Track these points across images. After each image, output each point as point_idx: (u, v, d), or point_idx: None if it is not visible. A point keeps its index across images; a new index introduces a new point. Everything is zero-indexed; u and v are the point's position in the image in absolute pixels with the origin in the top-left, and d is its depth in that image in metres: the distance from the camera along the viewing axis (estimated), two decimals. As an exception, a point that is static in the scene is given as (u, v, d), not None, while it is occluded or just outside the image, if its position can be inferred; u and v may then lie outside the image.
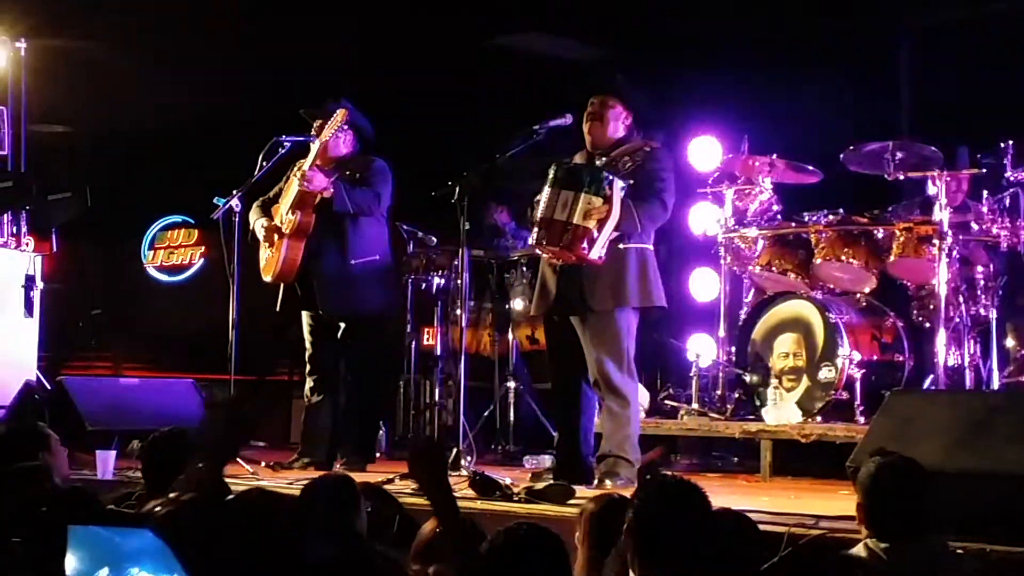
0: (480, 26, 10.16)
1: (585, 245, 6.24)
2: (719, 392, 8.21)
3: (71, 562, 2.47)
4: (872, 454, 4.15)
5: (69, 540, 2.46)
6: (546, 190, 6.38)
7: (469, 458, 6.89)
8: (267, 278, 7.44)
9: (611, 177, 6.29)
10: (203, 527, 2.61)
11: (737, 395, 8.01)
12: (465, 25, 10.08)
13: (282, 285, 7.43)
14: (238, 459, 7.25)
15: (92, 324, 12.75)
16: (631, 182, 6.37)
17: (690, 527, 3.45)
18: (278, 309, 7.49)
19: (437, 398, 9.28)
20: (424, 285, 9.35)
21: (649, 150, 6.57)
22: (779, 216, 8.20)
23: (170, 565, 2.37)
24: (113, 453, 6.72)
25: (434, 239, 9.27)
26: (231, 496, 2.75)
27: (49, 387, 8.54)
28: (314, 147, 7.33)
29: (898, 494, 3.94)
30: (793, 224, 8.08)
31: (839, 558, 3.95)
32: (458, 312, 8.38)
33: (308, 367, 7.59)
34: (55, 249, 9.39)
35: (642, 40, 9.80)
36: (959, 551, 4.16)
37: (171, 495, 3.58)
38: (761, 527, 4.26)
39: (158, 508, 3.08)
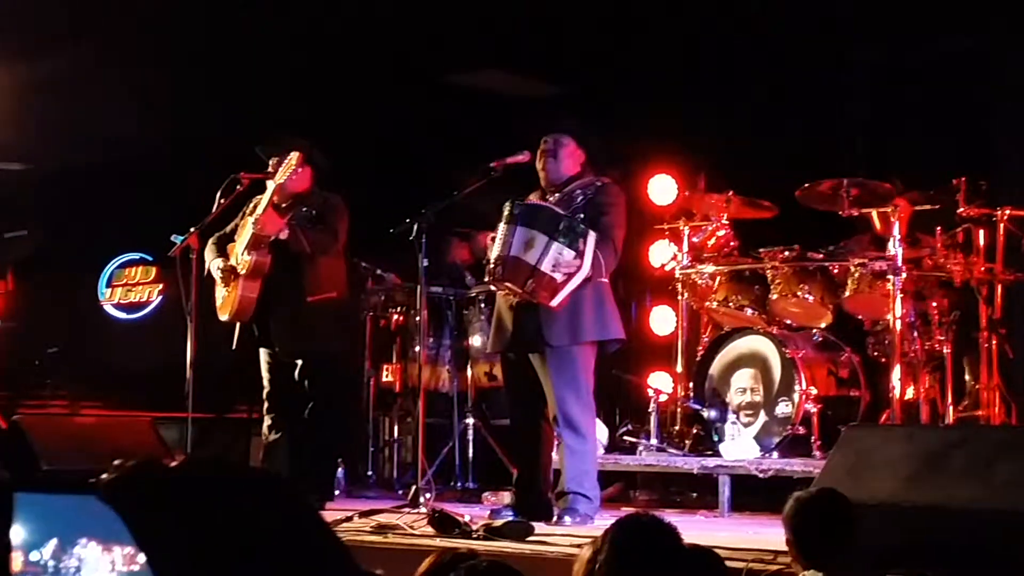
0: (438, 62, 10.19)
1: (548, 294, 6.26)
2: (677, 427, 8.23)
3: (19, 533, 2.42)
4: (796, 490, 4.22)
5: (16, 510, 2.40)
6: (501, 227, 6.39)
7: (428, 495, 6.88)
8: (223, 317, 7.40)
9: (587, 230, 6.29)
10: (149, 495, 2.54)
11: (695, 430, 8.03)
12: (423, 61, 10.11)
13: (238, 323, 7.40)
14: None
15: (48, 362, 12.66)
16: (581, 216, 6.40)
17: (664, 564, 3.46)
18: (234, 347, 7.45)
19: (396, 435, 9.27)
20: (383, 322, 9.35)
21: (600, 184, 6.61)
22: (735, 252, 8.24)
23: (119, 534, 2.33)
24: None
25: (393, 276, 9.27)
26: (178, 463, 2.70)
27: (4, 426, 8.47)
28: (269, 189, 7.30)
29: (823, 528, 4.01)
30: (749, 260, 8.13)
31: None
32: (417, 349, 8.37)
33: (266, 405, 7.54)
34: (11, 287, 9.33)
35: (600, 78, 9.86)
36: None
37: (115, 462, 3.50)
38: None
39: (103, 475, 3.00)
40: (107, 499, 2.32)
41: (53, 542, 2.32)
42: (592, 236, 6.29)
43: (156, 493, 2.42)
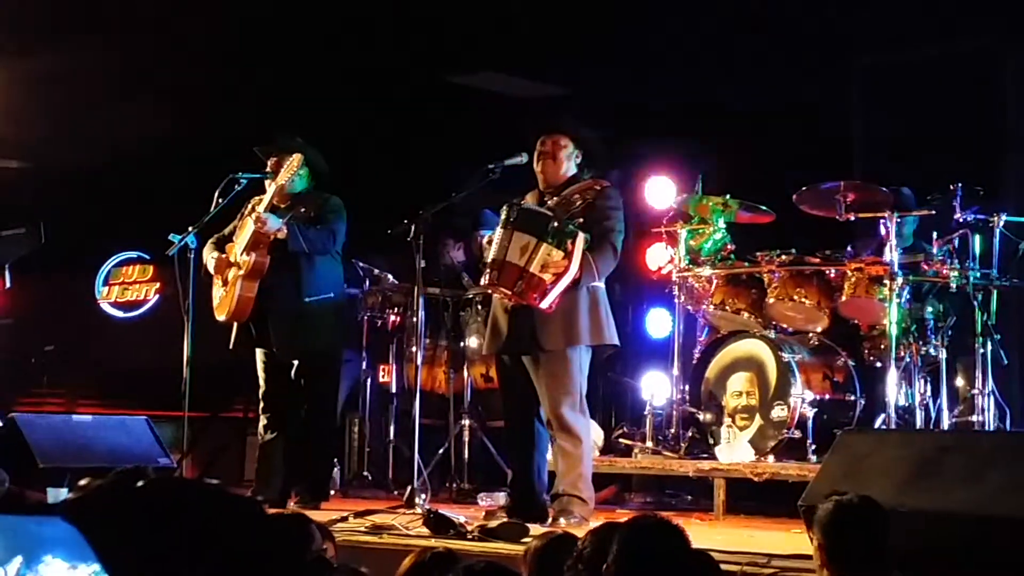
0: (437, 64, 10.20)
1: (537, 295, 6.26)
2: (673, 430, 8.23)
3: None
4: (828, 494, 4.17)
5: None
6: (499, 231, 6.40)
7: (424, 496, 6.89)
8: (220, 317, 7.41)
9: (576, 231, 6.30)
10: (113, 514, 2.57)
11: (691, 433, 8.04)
12: (422, 63, 10.12)
13: (235, 323, 7.41)
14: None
15: (45, 360, 12.66)
16: (580, 220, 6.41)
17: (673, 565, 3.48)
18: (231, 347, 7.46)
19: (392, 436, 9.28)
20: (380, 322, 9.35)
21: (600, 188, 6.62)
22: (732, 255, 8.25)
23: (84, 553, 2.34)
24: (64, 491, 6.66)
25: (390, 276, 9.27)
26: (142, 483, 2.72)
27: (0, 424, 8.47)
28: (269, 189, 7.31)
29: (857, 533, 3.97)
30: (746, 263, 8.13)
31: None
32: (413, 350, 8.37)
33: (262, 404, 7.55)
34: (9, 285, 9.32)
35: (597, 79, 9.87)
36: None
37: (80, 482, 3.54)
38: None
39: (69, 494, 3.04)
40: (71, 519, 2.33)
41: (18, 559, 2.31)
42: (581, 237, 6.30)
43: (117, 512, 2.42)
